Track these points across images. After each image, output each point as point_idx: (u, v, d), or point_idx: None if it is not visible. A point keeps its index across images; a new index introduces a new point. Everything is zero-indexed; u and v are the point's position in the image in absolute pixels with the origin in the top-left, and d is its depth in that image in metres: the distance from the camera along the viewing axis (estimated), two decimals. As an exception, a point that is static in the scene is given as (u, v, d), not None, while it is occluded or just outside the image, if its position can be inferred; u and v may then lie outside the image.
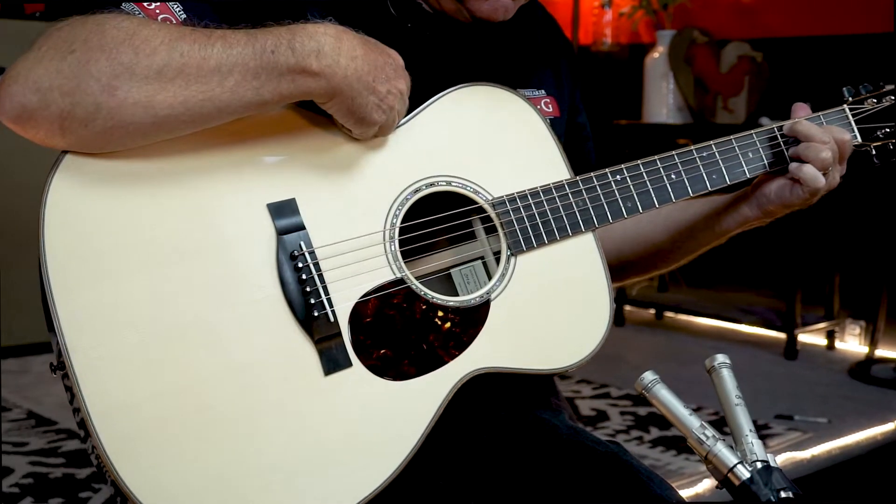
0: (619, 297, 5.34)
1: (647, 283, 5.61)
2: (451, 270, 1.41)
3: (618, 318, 5.31)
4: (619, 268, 1.68)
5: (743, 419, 1.20)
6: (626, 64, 5.75)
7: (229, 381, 1.23)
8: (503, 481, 1.34)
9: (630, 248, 1.65)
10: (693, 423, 1.17)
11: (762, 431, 3.53)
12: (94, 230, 1.21)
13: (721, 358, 1.26)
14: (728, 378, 1.24)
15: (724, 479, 1.14)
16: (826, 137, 1.47)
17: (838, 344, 4.86)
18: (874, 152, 1.61)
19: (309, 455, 1.25)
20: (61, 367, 1.19)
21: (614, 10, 5.64)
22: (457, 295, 1.38)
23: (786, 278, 4.70)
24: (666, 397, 1.19)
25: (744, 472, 1.13)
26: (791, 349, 4.62)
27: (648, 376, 1.19)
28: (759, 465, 1.15)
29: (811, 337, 4.87)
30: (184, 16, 1.27)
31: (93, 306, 1.20)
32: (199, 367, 1.22)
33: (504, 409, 1.43)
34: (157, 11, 1.26)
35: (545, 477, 1.33)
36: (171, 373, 1.21)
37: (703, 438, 1.16)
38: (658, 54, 5.14)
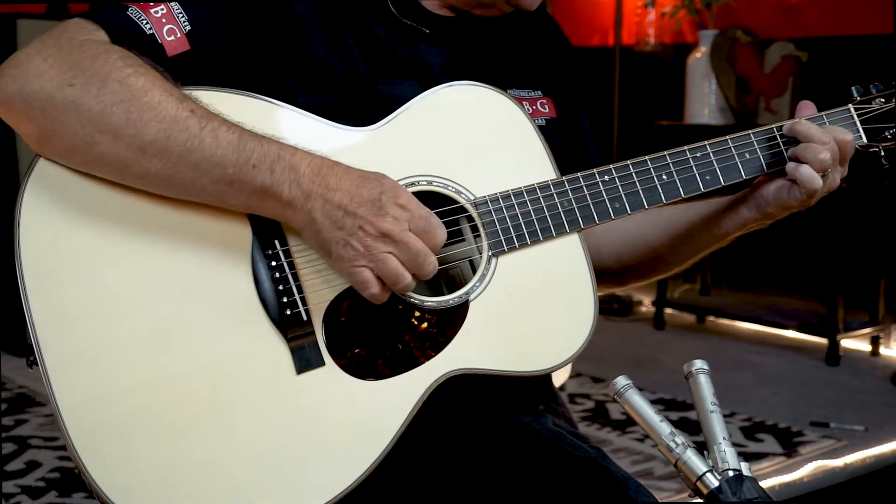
0: (660, 300, 5.28)
1: (688, 286, 5.54)
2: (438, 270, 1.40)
3: (657, 322, 5.25)
4: (619, 271, 1.65)
5: (717, 426, 1.17)
6: (670, 64, 5.69)
7: (200, 378, 1.23)
8: (478, 484, 1.32)
9: (629, 252, 1.62)
10: (663, 429, 1.15)
11: (795, 438, 3.47)
12: (68, 228, 1.23)
13: (699, 363, 1.23)
14: (705, 384, 1.21)
15: (694, 487, 1.11)
16: (826, 138, 1.42)
17: (883, 350, 4.75)
18: (883, 153, 1.56)
19: (279, 453, 1.25)
20: (37, 362, 1.20)
21: (657, 10, 5.58)
22: (443, 295, 1.37)
23: (828, 282, 4.60)
24: (638, 402, 1.17)
25: (712, 481, 1.10)
26: (833, 355, 4.53)
27: (621, 381, 1.17)
28: (730, 473, 1.11)
29: (855, 342, 4.77)
30: (188, 26, 1.29)
31: (65, 303, 1.22)
32: (170, 364, 1.23)
33: (484, 412, 1.41)
34: (164, 21, 1.28)
35: (520, 481, 1.31)
36: (142, 369, 1.22)
37: (673, 445, 1.14)
38: (700, 54, 5.07)
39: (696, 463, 1.12)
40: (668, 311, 5.39)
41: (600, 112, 5.79)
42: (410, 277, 1.23)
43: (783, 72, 4.93)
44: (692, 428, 3.60)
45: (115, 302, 1.23)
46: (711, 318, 5.36)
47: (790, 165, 1.43)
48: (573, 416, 3.58)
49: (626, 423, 3.66)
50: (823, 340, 4.60)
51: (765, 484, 3.06)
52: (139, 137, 1.17)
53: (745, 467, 1.12)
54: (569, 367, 3.14)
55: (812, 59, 4.90)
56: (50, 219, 1.23)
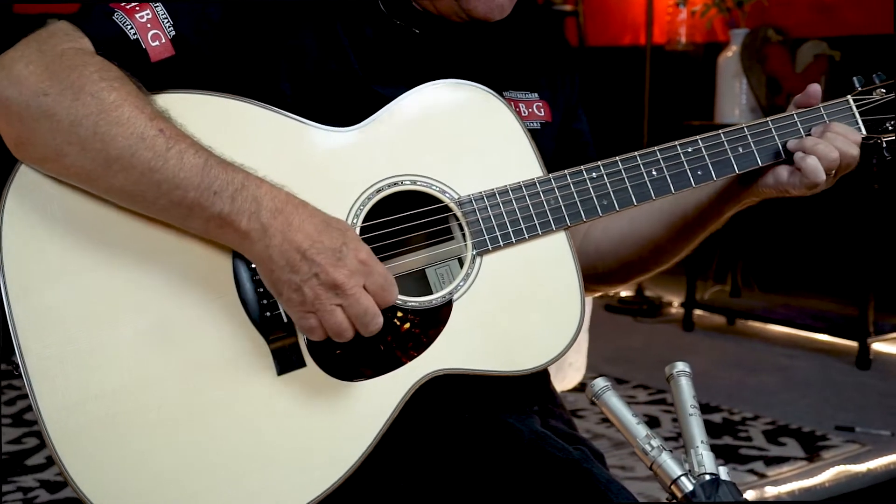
0: (689, 302, 5.22)
1: (718, 287, 5.48)
2: (427, 270, 1.39)
3: (686, 323, 5.20)
4: (620, 269, 1.63)
5: (696, 430, 1.15)
6: (702, 63, 5.63)
7: (180, 380, 1.24)
8: (458, 485, 1.32)
9: (628, 248, 1.60)
10: (639, 432, 1.14)
11: (819, 443, 3.42)
12: (50, 232, 1.24)
13: (681, 366, 1.22)
14: (685, 387, 1.20)
15: (669, 490, 1.10)
16: (833, 154, 1.40)
17: (915, 354, 4.68)
18: (884, 145, 1.53)
19: (259, 455, 1.25)
20: (19, 367, 1.22)
21: (689, 9, 5.53)
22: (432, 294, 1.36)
23: (859, 284, 4.54)
24: (615, 404, 1.16)
25: (687, 485, 1.08)
26: (863, 358, 4.46)
27: (599, 382, 1.16)
28: (706, 477, 1.10)
29: (887, 346, 4.70)
30: (172, 31, 1.29)
31: (46, 307, 1.23)
32: (151, 367, 1.23)
33: (469, 412, 1.40)
34: (149, 27, 1.29)
35: (500, 482, 1.30)
36: (122, 372, 1.23)
37: (648, 448, 1.12)
38: (731, 53, 5.02)
39: (671, 466, 1.10)
40: (698, 312, 5.33)
41: (630, 111, 5.75)
42: (353, 333, 1.21)
43: (815, 71, 4.86)
44: (715, 431, 3.56)
45: (96, 306, 1.24)
46: (742, 321, 5.30)
47: (798, 155, 1.41)
48: (592, 417, 3.54)
49: (648, 425, 3.62)
50: (854, 343, 4.54)
51: (784, 488, 3.03)
52: (105, 151, 1.18)
53: (723, 471, 1.11)
54: (583, 368, 3.12)
55: (845, 59, 4.83)
56: (32, 223, 1.24)
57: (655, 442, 1.13)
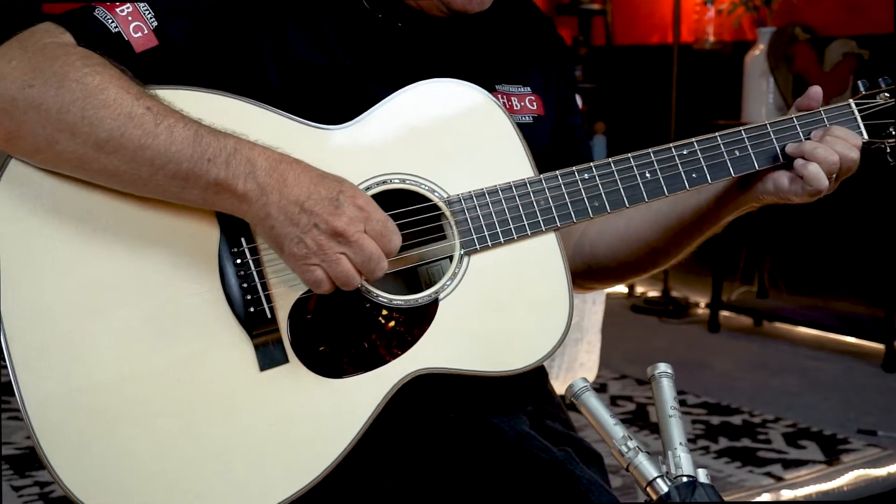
0: (714, 303, 5.19)
1: (745, 288, 5.44)
2: (419, 268, 1.39)
3: (712, 325, 5.16)
4: (617, 269, 1.62)
5: (675, 431, 1.14)
6: (729, 62, 5.59)
7: (165, 374, 1.25)
8: (441, 485, 1.31)
9: (625, 249, 1.59)
10: (616, 433, 1.13)
11: (840, 446, 3.38)
12: (40, 226, 1.25)
13: (662, 367, 1.21)
14: (666, 388, 1.19)
15: (645, 492, 1.09)
16: (833, 158, 1.39)
17: (944, 357, 4.60)
18: (888, 150, 1.50)
19: (241, 449, 1.25)
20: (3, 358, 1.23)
21: (716, 8, 5.49)
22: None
23: (886, 286, 4.48)
24: (594, 405, 1.15)
25: (662, 487, 1.07)
26: (890, 360, 4.41)
27: (579, 383, 1.16)
28: (683, 479, 1.09)
29: (915, 349, 4.64)
30: (154, 22, 1.30)
31: (33, 299, 1.24)
32: (136, 361, 1.24)
33: (455, 412, 1.39)
34: (130, 19, 1.30)
35: (482, 482, 1.30)
36: (107, 365, 1.24)
37: (625, 450, 1.12)
38: (758, 52, 4.98)
39: (647, 468, 1.10)
40: (725, 313, 5.29)
41: (658, 110, 5.72)
42: (360, 280, 1.22)
43: (844, 70, 4.80)
44: (734, 433, 3.53)
45: (83, 299, 1.24)
46: (768, 322, 5.25)
47: (799, 162, 1.39)
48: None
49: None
50: (881, 346, 4.49)
51: (801, 492, 3.00)
52: (94, 135, 1.19)
53: (701, 474, 1.10)
54: (594, 369, 3.10)
55: (874, 57, 4.77)
56: (22, 216, 1.25)
57: (632, 443, 1.12)
